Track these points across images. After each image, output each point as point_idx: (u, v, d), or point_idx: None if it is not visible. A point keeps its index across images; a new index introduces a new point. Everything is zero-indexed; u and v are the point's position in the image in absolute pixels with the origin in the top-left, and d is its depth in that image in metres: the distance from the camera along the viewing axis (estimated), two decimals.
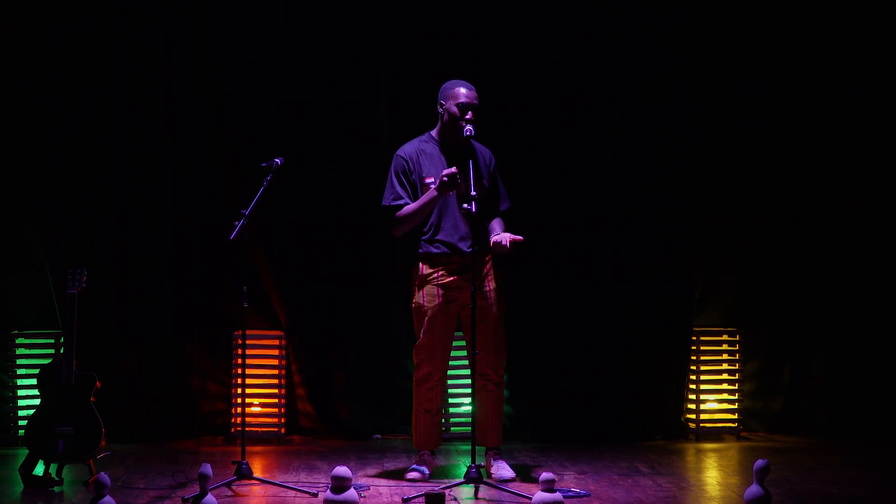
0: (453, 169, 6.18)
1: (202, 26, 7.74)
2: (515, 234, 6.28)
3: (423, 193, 6.34)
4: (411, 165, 6.40)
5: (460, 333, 6.54)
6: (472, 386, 6.15)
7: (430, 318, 6.37)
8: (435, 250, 6.37)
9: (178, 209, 7.76)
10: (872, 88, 8.05)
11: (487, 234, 6.40)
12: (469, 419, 6.15)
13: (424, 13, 7.82)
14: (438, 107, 6.40)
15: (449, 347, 6.47)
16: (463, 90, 6.34)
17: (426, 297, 6.38)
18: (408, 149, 6.46)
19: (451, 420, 7.76)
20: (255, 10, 7.77)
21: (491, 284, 6.41)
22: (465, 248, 6.33)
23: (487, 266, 6.42)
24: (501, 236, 6.27)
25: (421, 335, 6.41)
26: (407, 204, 6.36)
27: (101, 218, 7.69)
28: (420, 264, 6.41)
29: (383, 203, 6.41)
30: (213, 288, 7.77)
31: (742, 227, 8.10)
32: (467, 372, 6.40)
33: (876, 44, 8.02)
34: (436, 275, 6.37)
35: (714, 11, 7.92)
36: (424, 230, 6.38)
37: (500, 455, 6.51)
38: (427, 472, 6.42)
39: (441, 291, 6.36)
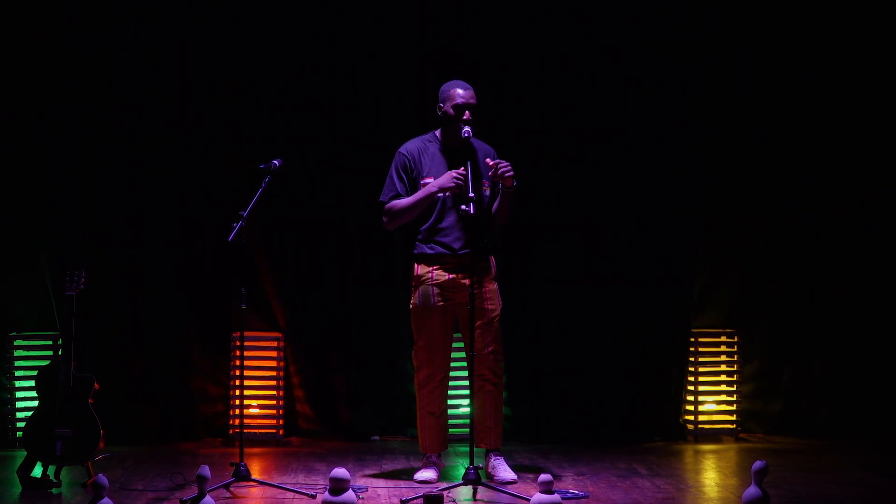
0: (462, 170, 6.14)
1: (203, 29, 7.72)
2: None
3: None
4: (412, 164, 6.37)
5: (458, 335, 6.53)
6: (469, 387, 6.15)
7: (427, 319, 6.36)
8: (429, 250, 6.35)
9: (178, 210, 7.75)
10: (877, 88, 8.03)
11: (489, 234, 6.39)
12: (468, 420, 6.13)
13: (426, 14, 7.81)
14: (438, 109, 6.38)
15: (449, 349, 6.44)
16: (459, 91, 6.31)
17: (422, 297, 6.36)
18: (410, 146, 6.43)
19: (450, 422, 7.74)
20: (256, 12, 7.76)
21: (489, 286, 6.38)
22: (459, 249, 6.31)
23: (485, 267, 6.39)
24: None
25: (418, 337, 6.40)
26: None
27: (100, 219, 7.69)
28: (416, 265, 6.39)
29: (381, 198, 6.38)
30: (212, 289, 7.76)
31: (742, 228, 8.09)
32: (465, 374, 6.38)
33: (883, 44, 8.01)
34: (430, 275, 6.34)
35: (720, 9, 7.90)
36: (420, 230, 6.36)
37: (500, 456, 6.50)
38: (435, 475, 6.40)
39: (437, 291, 6.33)
